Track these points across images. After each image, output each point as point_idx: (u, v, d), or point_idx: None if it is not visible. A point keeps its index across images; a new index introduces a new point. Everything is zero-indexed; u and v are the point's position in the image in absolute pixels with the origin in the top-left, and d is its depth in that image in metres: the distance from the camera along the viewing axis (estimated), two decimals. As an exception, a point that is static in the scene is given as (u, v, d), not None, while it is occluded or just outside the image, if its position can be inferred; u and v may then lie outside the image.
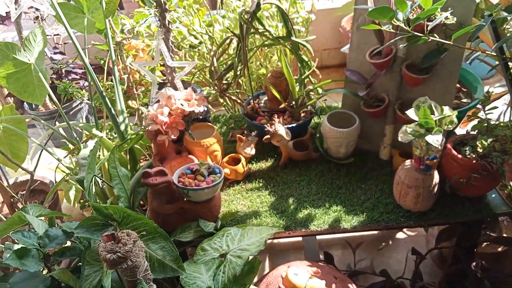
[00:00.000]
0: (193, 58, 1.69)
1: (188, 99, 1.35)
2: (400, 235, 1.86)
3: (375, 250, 1.81)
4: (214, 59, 1.48)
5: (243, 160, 1.42)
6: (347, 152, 1.43)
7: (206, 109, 1.54)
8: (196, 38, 1.61)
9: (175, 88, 1.40)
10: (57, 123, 2.00)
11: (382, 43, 1.33)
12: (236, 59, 1.45)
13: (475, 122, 1.29)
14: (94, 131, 1.64)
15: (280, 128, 1.38)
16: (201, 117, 1.47)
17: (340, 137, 1.38)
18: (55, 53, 2.46)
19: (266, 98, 1.65)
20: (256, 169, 1.47)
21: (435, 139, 1.07)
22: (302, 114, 1.58)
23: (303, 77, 1.50)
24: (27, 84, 1.59)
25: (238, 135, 1.44)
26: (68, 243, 1.10)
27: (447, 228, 1.44)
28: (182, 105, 1.31)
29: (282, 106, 1.55)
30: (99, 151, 1.68)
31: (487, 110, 1.24)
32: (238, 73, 1.47)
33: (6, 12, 2.23)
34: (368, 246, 1.81)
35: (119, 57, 1.67)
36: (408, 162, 1.25)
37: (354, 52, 1.45)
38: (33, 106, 2.48)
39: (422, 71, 1.31)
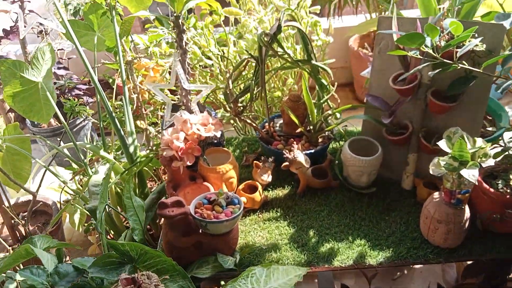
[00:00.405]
0: (206, 79, 1.63)
1: (204, 124, 1.29)
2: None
3: (390, 279, 1.74)
4: (230, 82, 1.42)
5: (260, 187, 1.35)
6: (368, 181, 1.37)
7: (220, 133, 1.48)
8: (210, 59, 1.56)
9: (190, 112, 1.34)
10: (61, 142, 1.93)
11: (407, 68, 1.29)
12: (253, 81, 1.40)
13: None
14: (102, 152, 1.57)
15: (299, 154, 1.32)
16: (216, 141, 1.41)
17: (362, 165, 1.32)
18: (58, 68, 2.39)
19: (281, 121, 1.59)
20: (273, 196, 1.41)
21: (471, 174, 1.01)
22: (320, 140, 1.52)
23: (321, 101, 1.45)
24: (34, 103, 1.52)
25: (255, 162, 1.37)
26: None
27: (474, 263, 1.38)
28: (198, 130, 1.25)
29: (299, 130, 1.49)
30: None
31: (509, 140, 1.20)
32: (255, 96, 1.42)
33: (10, 26, 2.17)
34: (383, 275, 1.74)
35: (129, 76, 1.62)
36: (436, 195, 1.19)
37: (375, 76, 1.40)
38: (35, 123, 2.41)
39: (448, 99, 1.26)
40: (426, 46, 1.10)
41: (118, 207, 1.58)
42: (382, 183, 1.41)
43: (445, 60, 1.10)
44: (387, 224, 1.27)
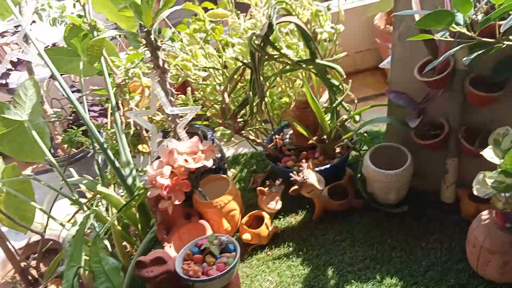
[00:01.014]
0: (205, 92, 1.44)
1: (194, 152, 1.10)
2: None
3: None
4: (225, 95, 1.22)
5: (266, 218, 1.15)
6: (398, 197, 1.12)
7: (219, 155, 1.28)
8: (205, 70, 1.37)
9: (179, 139, 1.16)
10: (71, 169, 1.83)
11: (435, 55, 1.01)
12: (251, 92, 1.19)
13: None
14: (100, 188, 1.44)
15: (310, 175, 1.10)
16: (214, 167, 1.22)
17: (389, 181, 1.08)
18: (73, 92, 2.31)
19: (291, 131, 1.37)
20: (284, 226, 1.20)
21: (530, 196, 0.74)
22: (338, 150, 1.28)
23: (334, 105, 1.21)
24: (22, 144, 1.41)
25: (258, 188, 1.17)
26: None
27: None
28: (186, 161, 1.07)
29: (311, 142, 1.27)
30: (108, 210, 1.49)
31: None
32: (254, 109, 1.21)
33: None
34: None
35: (120, 100, 1.47)
36: (485, 214, 0.93)
37: (397, 68, 1.13)
38: (52, 149, 2.35)
39: (492, 87, 0.97)
40: (457, 24, 0.83)
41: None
42: (416, 198, 1.16)
43: (485, 39, 0.83)
44: (424, 253, 1.02)
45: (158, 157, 1.13)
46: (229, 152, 1.64)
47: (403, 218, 1.12)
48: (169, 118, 1.18)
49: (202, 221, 1.12)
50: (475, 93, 0.98)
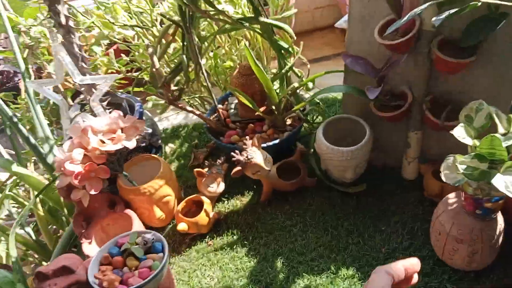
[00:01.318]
0: (135, 53, 1.22)
1: (113, 130, 0.90)
2: None
3: None
4: (155, 59, 1.01)
5: (206, 204, 0.99)
6: (355, 176, 1.00)
7: (150, 131, 1.09)
8: (133, 28, 1.14)
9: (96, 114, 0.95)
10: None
11: (399, 14, 0.86)
12: (184, 56, 0.99)
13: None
14: (15, 167, 1.21)
15: (254, 154, 0.94)
16: (143, 144, 1.03)
17: (344, 159, 0.94)
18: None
19: (237, 100, 1.20)
20: (229, 210, 1.05)
21: (508, 182, 0.62)
22: (289, 122, 1.13)
23: (283, 71, 1.04)
24: None
25: (196, 170, 1.00)
26: None
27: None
28: (102, 142, 0.87)
29: (258, 114, 1.10)
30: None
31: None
32: (191, 76, 1.02)
33: None
34: None
35: (32, 65, 1.22)
36: (452, 197, 0.81)
37: (354, 29, 0.97)
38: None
39: (463, 52, 0.83)
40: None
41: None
42: (376, 174, 1.04)
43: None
44: (385, 238, 0.91)
45: (71, 137, 0.92)
46: (167, 123, 1.44)
47: (361, 198, 1.00)
48: (82, 89, 0.97)
49: (128, 211, 0.94)
50: (443, 59, 0.84)
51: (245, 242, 0.96)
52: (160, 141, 1.10)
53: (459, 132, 0.70)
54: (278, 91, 1.06)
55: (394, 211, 0.96)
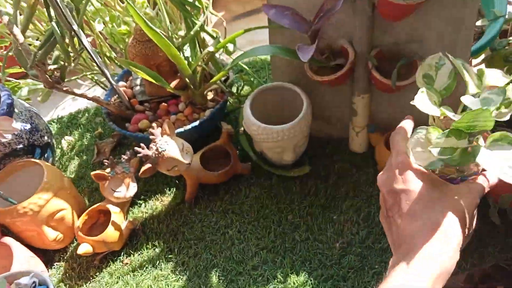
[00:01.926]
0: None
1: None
2: None
3: None
4: (16, 31, 0.74)
5: (114, 214, 0.77)
6: (296, 156, 0.82)
7: (28, 127, 0.84)
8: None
9: None
10: None
11: None
12: (54, 23, 0.74)
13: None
14: None
15: (167, 145, 0.73)
16: (19, 146, 0.78)
17: (280, 139, 0.76)
18: None
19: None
20: (147, 215, 0.84)
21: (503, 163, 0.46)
22: (210, 97, 0.92)
23: (192, 32, 0.81)
24: None
25: (94, 173, 0.77)
26: None
27: (489, 270, 0.90)
28: None
29: (170, 89, 0.87)
30: None
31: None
32: (69, 49, 0.77)
33: None
34: None
35: None
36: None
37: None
38: None
39: (410, -9, 0.66)
40: None
41: None
42: (320, 150, 0.88)
43: None
44: (338, 230, 0.75)
45: None
46: (64, 110, 1.17)
47: (306, 182, 0.83)
48: None
49: (6, 239, 0.71)
50: (387, 1, 0.66)
51: (170, 255, 0.77)
52: (47, 137, 0.85)
53: (421, 100, 0.53)
54: (190, 59, 0.84)
55: (345, 194, 0.81)
